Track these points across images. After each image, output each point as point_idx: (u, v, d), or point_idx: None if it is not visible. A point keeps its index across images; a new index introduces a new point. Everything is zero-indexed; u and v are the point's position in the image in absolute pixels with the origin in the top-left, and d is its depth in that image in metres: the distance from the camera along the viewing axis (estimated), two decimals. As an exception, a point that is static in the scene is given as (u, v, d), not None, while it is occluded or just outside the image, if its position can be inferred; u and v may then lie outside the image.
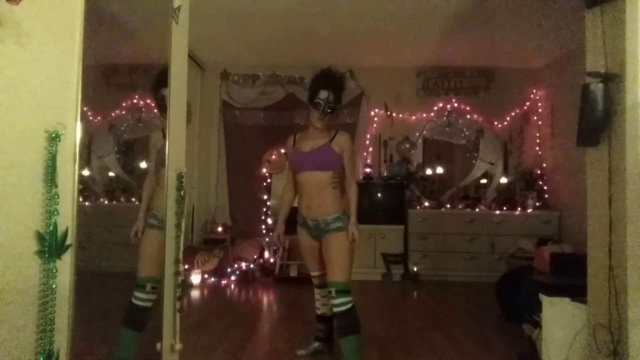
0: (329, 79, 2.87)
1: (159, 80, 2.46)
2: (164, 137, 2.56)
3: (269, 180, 6.18)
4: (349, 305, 2.70)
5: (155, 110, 2.71)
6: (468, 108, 6.15)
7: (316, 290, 3.11)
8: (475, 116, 6.13)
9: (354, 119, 6.17)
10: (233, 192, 6.32)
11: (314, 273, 3.04)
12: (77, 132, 1.50)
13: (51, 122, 1.45)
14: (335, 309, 2.73)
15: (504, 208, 5.76)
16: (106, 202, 3.49)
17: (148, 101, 3.53)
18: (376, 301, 4.72)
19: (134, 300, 2.46)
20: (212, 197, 6.32)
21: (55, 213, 1.43)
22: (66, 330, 1.47)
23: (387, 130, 6.22)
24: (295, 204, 3.06)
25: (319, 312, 3.13)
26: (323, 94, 2.81)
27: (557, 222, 5.56)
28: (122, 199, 3.54)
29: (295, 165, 2.93)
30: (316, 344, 3.11)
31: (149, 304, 2.45)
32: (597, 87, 2.09)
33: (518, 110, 6.14)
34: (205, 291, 5.06)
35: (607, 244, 2.10)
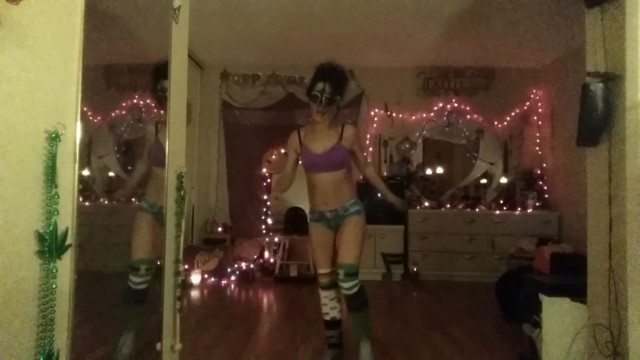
0: (326, 71, 2.85)
1: (158, 72, 2.48)
2: (156, 130, 2.60)
3: (269, 180, 6.17)
4: (358, 288, 2.77)
5: (154, 105, 2.76)
6: (468, 108, 6.15)
7: (323, 293, 2.95)
8: (475, 116, 6.13)
9: (354, 119, 6.17)
10: (233, 192, 6.32)
11: (324, 270, 2.92)
12: (77, 132, 1.50)
13: (51, 122, 1.45)
14: (345, 292, 2.77)
15: (504, 208, 5.76)
16: (106, 202, 3.49)
17: (148, 101, 3.53)
18: (376, 301, 4.71)
19: (130, 284, 2.50)
20: (212, 197, 6.32)
21: (55, 213, 1.43)
22: (66, 330, 1.47)
23: (387, 130, 6.22)
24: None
25: (327, 317, 2.97)
26: (319, 86, 2.80)
27: (557, 222, 5.56)
28: (122, 199, 3.54)
29: (307, 167, 2.92)
30: (332, 351, 2.96)
31: (144, 286, 2.48)
32: (597, 87, 2.09)
33: (518, 111, 6.14)
34: (205, 291, 5.06)
35: (607, 244, 2.10)
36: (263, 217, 6.14)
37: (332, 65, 2.88)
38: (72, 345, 1.48)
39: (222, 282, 5.38)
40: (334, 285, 2.93)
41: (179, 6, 2.05)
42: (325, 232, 2.92)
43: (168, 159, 2.02)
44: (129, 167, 3.77)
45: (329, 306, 2.97)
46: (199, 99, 6.27)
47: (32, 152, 1.43)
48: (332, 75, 2.84)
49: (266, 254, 5.88)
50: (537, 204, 5.71)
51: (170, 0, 2.00)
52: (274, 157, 6.04)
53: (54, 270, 1.43)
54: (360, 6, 4.32)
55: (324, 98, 2.80)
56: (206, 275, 5.41)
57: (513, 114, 6.13)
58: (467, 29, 4.80)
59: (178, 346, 2.08)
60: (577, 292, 2.39)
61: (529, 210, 5.66)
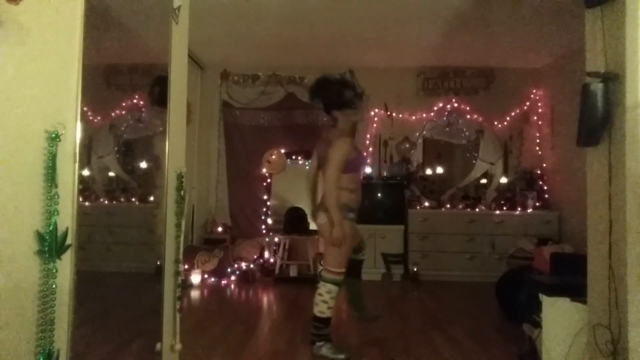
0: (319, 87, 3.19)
1: (159, 83, 2.50)
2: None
3: (269, 180, 6.17)
4: None
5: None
6: (468, 108, 6.15)
7: (336, 289, 3.03)
8: (475, 116, 6.13)
9: (354, 119, 6.17)
10: (233, 192, 6.32)
11: (344, 269, 3.07)
12: (77, 132, 1.50)
13: (51, 122, 1.45)
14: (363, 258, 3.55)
15: (504, 208, 5.75)
16: (106, 202, 3.49)
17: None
18: (376, 301, 4.72)
19: None
20: (212, 197, 6.31)
21: (55, 213, 1.43)
22: (66, 330, 1.47)
23: (387, 130, 6.22)
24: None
25: (330, 313, 3.06)
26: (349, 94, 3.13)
27: (557, 222, 5.55)
28: (122, 199, 3.54)
29: (357, 168, 3.22)
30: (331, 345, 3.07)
31: None
32: (597, 87, 2.08)
33: (518, 110, 6.14)
34: (205, 291, 5.06)
35: (607, 244, 2.10)
36: (263, 217, 6.14)
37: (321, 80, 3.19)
38: (72, 345, 1.48)
39: (222, 282, 5.38)
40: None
41: (179, 6, 2.05)
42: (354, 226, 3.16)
43: (168, 159, 2.02)
44: (129, 167, 3.77)
45: (335, 302, 3.08)
46: (199, 99, 6.27)
47: (32, 152, 1.43)
48: (323, 93, 3.15)
49: (266, 254, 5.88)
50: (537, 204, 5.70)
51: (170, 0, 2.00)
52: (273, 157, 6.04)
53: (54, 270, 1.43)
54: (360, 6, 4.31)
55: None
56: (206, 275, 5.41)
57: (513, 114, 6.13)
58: (467, 29, 4.80)
59: (178, 346, 2.08)
60: (577, 292, 2.39)
61: (529, 210, 5.65)
